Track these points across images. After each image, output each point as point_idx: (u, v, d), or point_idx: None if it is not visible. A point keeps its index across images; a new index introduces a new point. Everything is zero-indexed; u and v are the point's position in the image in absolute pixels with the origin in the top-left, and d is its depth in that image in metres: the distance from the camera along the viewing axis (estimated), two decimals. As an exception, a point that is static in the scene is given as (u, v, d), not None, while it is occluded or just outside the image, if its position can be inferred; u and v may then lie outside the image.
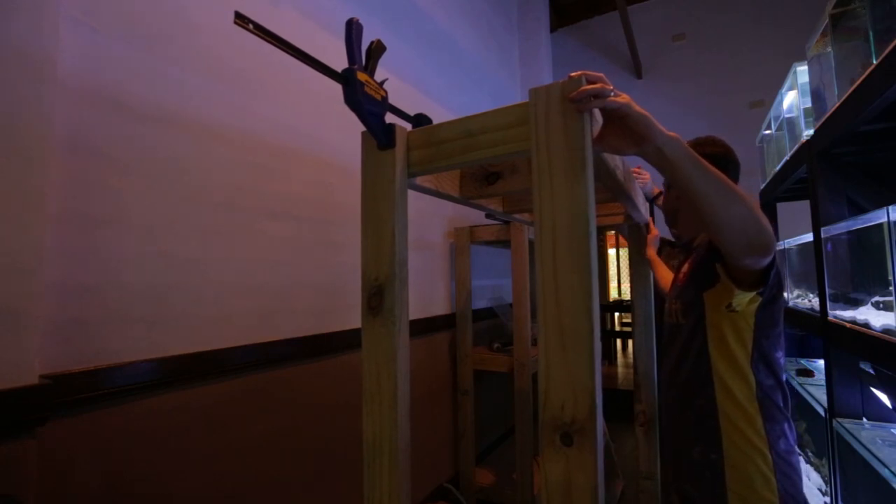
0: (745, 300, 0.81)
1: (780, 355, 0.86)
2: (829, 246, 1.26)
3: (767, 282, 0.78)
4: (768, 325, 0.83)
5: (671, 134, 0.60)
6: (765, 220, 0.67)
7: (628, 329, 4.77)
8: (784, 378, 0.86)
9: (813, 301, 1.47)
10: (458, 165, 0.65)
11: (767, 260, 0.74)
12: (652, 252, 1.40)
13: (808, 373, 1.73)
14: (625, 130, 0.58)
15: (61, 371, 0.79)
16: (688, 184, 0.62)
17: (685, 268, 1.00)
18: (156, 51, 0.97)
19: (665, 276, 1.31)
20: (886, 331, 0.93)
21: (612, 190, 0.89)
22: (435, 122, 0.68)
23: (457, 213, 2.18)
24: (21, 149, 0.69)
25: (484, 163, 0.72)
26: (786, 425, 0.83)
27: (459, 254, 2.02)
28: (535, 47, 3.04)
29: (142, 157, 0.94)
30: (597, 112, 0.57)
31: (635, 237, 1.45)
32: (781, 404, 0.84)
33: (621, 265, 6.11)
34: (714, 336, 0.86)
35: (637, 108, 0.57)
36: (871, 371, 1.23)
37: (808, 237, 1.41)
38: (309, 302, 1.30)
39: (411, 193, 0.68)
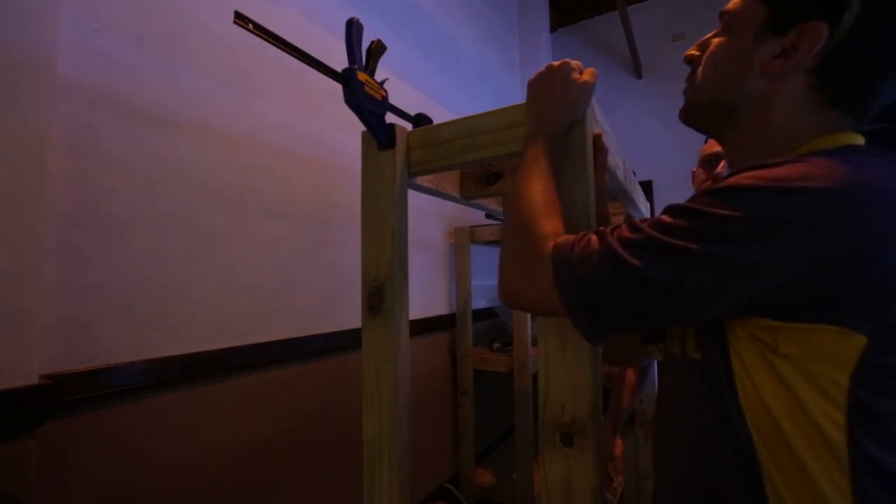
0: (823, 337, 0.37)
1: None
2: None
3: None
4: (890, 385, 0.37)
5: (535, 123, 0.55)
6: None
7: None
8: None
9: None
10: (458, 165, 0.65)
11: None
12: None
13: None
14: None
15: (61, 371, 0.79)
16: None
17: None
18: (157, 50, 0.97)
19: None
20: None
21: (613, 190, 0.89)
22: (435, 122, 0.68)
23: (457, 213, 2.17)
24: (21, 148, 0.69)
25: (484, 163, 0.72)
26: None
27: (459, 254, 2.02)
28: (535, 47, 3.03)
29: (142, 156, 0.94)
30: (600, 116, 0.57)
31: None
32: None
33: (621, 265, 6.10)
34: (752, 397, 0.40)
35: (542, 73, 0.58)
36: None
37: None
38: (309, 302, 1.30)
39: (411, 193, 0.68)
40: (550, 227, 0.47)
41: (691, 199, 0.42)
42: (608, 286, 0.40)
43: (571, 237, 0.45)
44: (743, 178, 0.39)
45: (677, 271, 0.38)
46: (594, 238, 0.43)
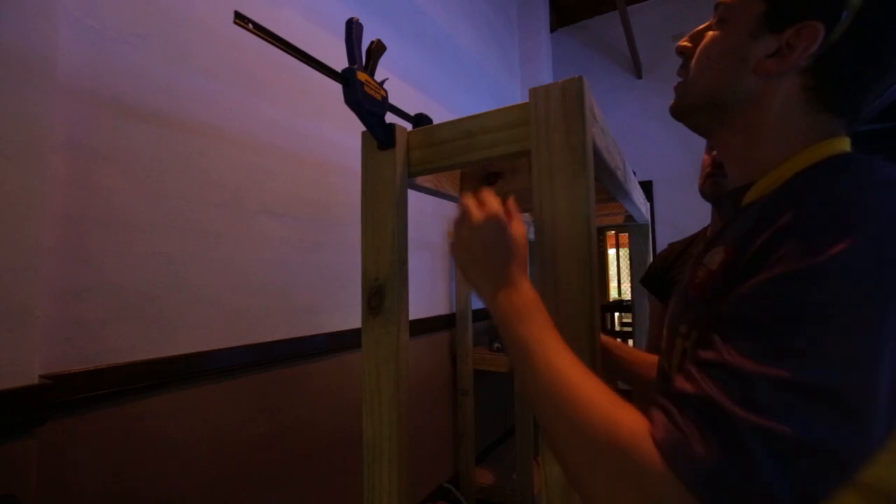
0: None
1: None
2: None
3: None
4: None
5: (515, 296, 0.46)
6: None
7: (629, 329, 4.77)
8: None
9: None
10: (458, 165, 0.65)
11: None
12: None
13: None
14: None
15: (61, 371, 0.79)
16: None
17: (714, 260, 0.43)
18: (156, 50, 0.97)
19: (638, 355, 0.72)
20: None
21: (612, 190, 0.89)
22: (435, 122, 0.68)
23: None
24: (21, 149, 0.69)
25: (484, 163, 0.72)
26: None
27: (459, 254, 2.02)
28: (535, 47, 3.04)
29: (142, 156, 0.94)
30: (599, 116, 0.57)
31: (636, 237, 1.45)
32: None
33: (621, 265, 6.10)
34: None
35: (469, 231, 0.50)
36: None
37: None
38: (309, 302, 1.30)
39: (411, 193, 0.68)
40: (628, 419, 0.34)
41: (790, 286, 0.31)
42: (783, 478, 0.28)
43: (663, 427, 0.32)
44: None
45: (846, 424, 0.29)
46: (704, 416, 0.30)
